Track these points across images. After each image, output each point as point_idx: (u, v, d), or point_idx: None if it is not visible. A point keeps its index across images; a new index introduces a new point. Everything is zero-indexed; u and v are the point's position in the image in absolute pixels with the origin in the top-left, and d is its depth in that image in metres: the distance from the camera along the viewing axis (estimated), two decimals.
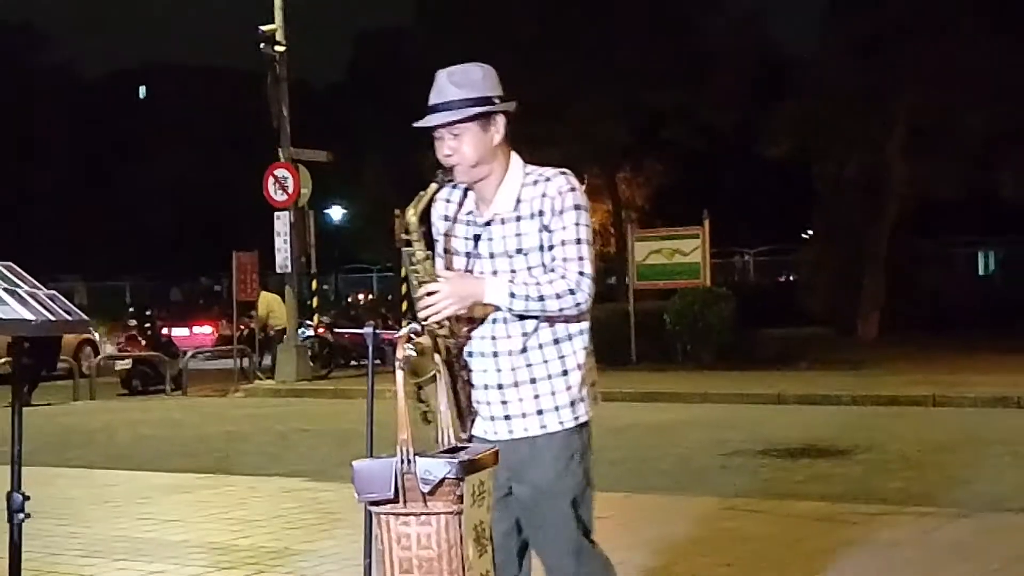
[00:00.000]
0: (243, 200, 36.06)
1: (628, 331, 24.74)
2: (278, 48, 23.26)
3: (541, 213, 4.03)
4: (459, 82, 4.04)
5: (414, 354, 3.71)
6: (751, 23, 37.66)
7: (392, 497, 3.27)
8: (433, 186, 4.03)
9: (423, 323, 3.86)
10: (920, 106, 29.21)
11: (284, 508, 9.09)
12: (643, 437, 14.55)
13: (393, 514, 3.29)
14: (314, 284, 28.83)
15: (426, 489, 3.26)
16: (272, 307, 26.00)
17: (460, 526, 3.25)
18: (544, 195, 4.05)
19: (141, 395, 23.16)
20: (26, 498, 4.28)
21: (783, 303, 33.95)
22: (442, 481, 3.26)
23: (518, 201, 4.08)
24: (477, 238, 4.11)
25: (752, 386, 19.61)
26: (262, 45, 23.16)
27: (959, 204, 31.98)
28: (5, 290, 4.18)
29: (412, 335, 3.70)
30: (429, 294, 3.86)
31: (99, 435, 16.38)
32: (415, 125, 4.14)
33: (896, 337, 28.87)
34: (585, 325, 4.07)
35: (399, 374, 3.59)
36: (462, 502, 3.27)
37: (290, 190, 23.32)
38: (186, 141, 58.54)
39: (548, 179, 4.10)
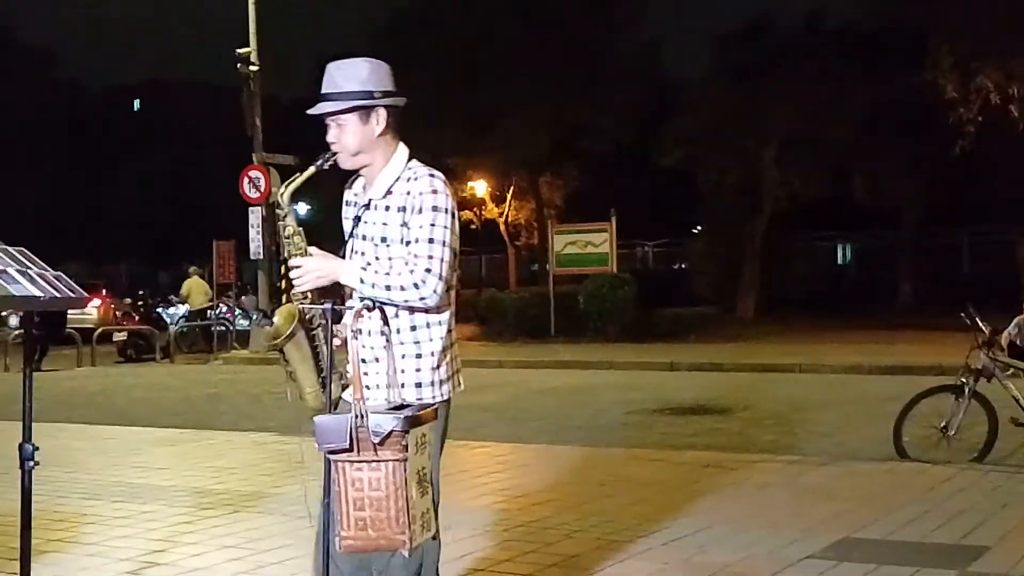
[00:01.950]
0: (222, 196, 35.83)
1: (548, 310, 24.90)
2: (252, 68, 23.12)
3: (404, 209, 3.78)
4: (345, 76, 3.79)
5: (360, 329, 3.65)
6: (649, 53, 37.81)
7: (348, 447, 3.25)
8: (311, 169, 3.87)
9: (291, 293, 3.79)
10: (789, 124, 29.55)
11: (256, 458, 9.04)
12: (560, 398, 14.60)
13: (348, 461, 3.27)
14: (283, 269, 28.67)
15: (376, 440, 3.23)
16: (192, 289, 26.19)
17: (405, 471, 3.23)
18: (409, 192, 3.78)
19: (135, 363, 23.05)
20: (36, 448, 4.25)
21: (676, 287, 34.25)
22: (390, 433, 3.23)
23: (388, 192, 3.82)
24: (357, 220, 3.91)
25: (650, 356, 19.76)
26: (239, 65, 23.05)
27: (821, 205, 32.32)
28: (18, 271, 4.12)
29: (365, 310, 3.62)
30: (295, 267, 3.77)
31: (98, 396, 16.22)
32: (307, 112, 3.88)
33: (769, 316, 29.23)
34: (444, 316, 3.79)
35: (352, 343, 3.53)
36: (407, 451, 3.25)
37: (262, 188, 23.19)
38: (174, 146, 58.24)
39: (417, 178, 3.81)
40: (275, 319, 3.78)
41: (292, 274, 3.78)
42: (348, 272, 3.72)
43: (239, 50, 23.14)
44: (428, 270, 3.64)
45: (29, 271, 4.20)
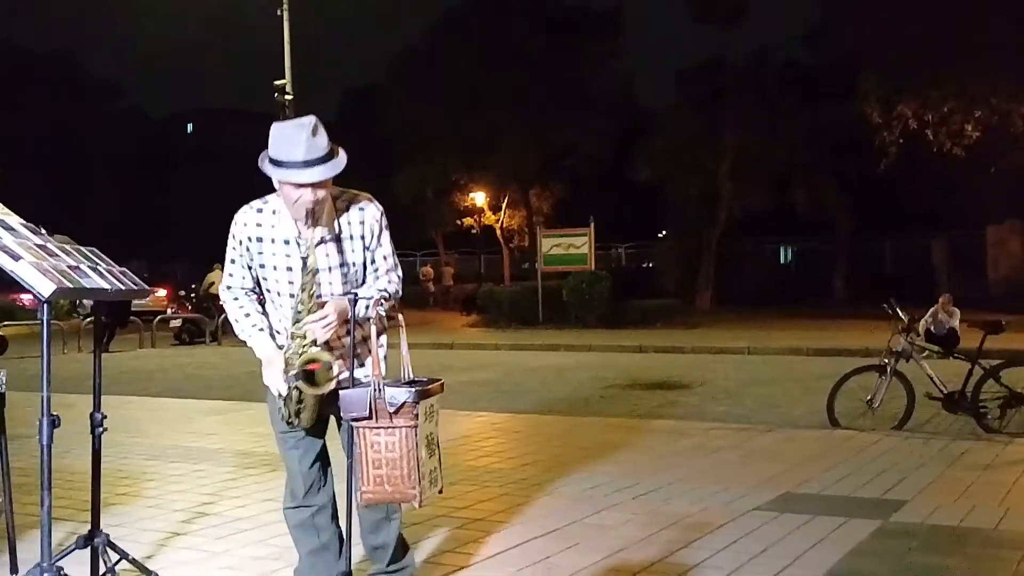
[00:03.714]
0: None
1: (537, 301, 24.91)
2: (287, 96, 23.07)
3: (363, 236, 3.60)
4: (320, 136, 3.40)
5: (384, 312, 3.64)
6: (623, 85, 37.82)
7: (368, 415, 3.24)
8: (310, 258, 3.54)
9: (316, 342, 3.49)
10: (740, 146, 29.60)
11: None
12: (547, 376, 14.60)
13: (368, 428, 3.26)
14: (300, 317, 28.58)
15: (392, 410, 3.23)
16: (214, 280, 25.43)
17: (416, 436, 3.23)
18: (363, 222, 3.59)
19: (188, 345, 23.00)
20: (104, 417, 4.23)
21: (645, 282, 34.19)
22: (403, 404, 3.23)
23: (338, 226, 3.58)
24: (304, 259, 3.53)
25: (623, 340, 19.76)
26: (275, 94, 22.98)
27: (767, 214, 32.35)
28: (90, 267, 4.11)
29: (382, 300, 3.63)
30: (322, 318, 3.47)
31: (157, 374, 16.19)
32: (300, 183, 3.37)
33: (723, 307, 29.26)
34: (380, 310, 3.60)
35: (373, 328, 3.52)
36: (417, 419, 3.25)
37: None
38: (221, 163, 58.38)
39: (363, 208, 3.60)
40: (316, 380, 3.46)
41: (321, 324, 3.47)
42: (345, 303, 3.51)
43: (276, 82, 23.09)
44: (399, 275, 3.75)
45: (99, 267, 4.19)
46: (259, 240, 3.63)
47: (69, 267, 3.96)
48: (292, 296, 3.59)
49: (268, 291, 3.71)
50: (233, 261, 3.72)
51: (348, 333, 3.54)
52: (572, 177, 37.76)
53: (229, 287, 3.76)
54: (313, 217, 3.46)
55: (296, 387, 3.48)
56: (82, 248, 4.27)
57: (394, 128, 34.98)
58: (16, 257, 3.74)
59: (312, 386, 3.45)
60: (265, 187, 3.77)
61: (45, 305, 3.75)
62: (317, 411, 3.58)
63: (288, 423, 3.63)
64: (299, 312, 3.53)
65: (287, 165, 3.37)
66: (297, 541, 3.90)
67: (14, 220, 4.09)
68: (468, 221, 40.09)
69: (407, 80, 35.25)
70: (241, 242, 3.67)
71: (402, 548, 3.93)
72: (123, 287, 4.21)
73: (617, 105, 35.95)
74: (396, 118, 35.09)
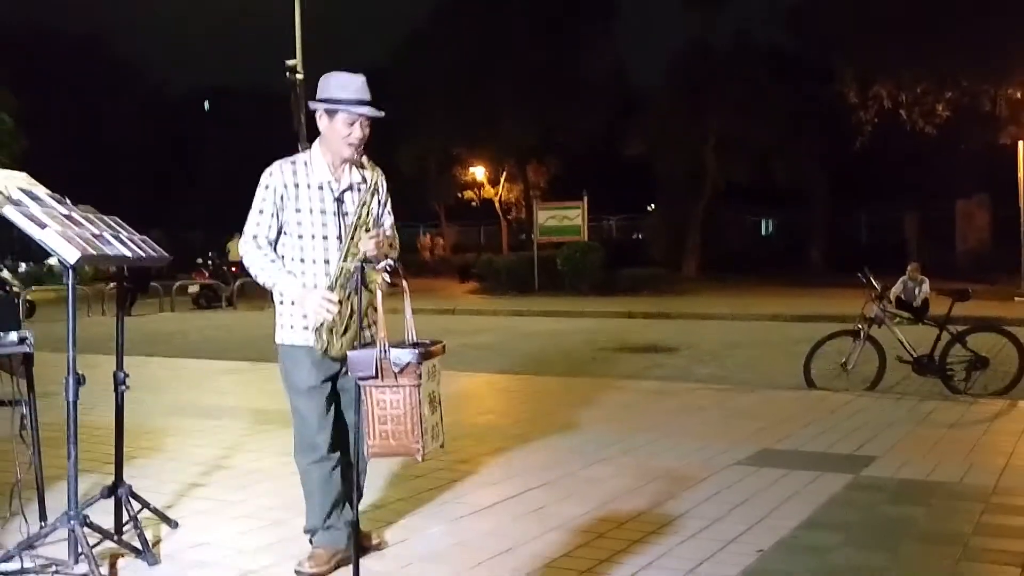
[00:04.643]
0: None
1: (533, 270, 24.91)
2: (298, 76, 22.88)
3: (377, 192, 3.80)
4: (367, 86, 3.73)
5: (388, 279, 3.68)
6: (616, 67, 37.59)
7: (374, 375, 3.24)
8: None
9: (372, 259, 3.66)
10: (724, 124, 29.50)
11: None
12: (542, 339, 14.62)
13: (375, 386, 3.26)
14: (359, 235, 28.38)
15: (397, 370, 3.23)
16: (232, 247, 25.28)
17: (419, 394, 3.23)
18: (378, 185, 3.80)
19: (205, 309, 22.97)
20: (127, 376, 4.25)
21: (634, 252, 34.13)
22: (407, 364, 3.23)
23: (363, 180, 3.79)
24: (339, 201, 3.76)
25: (613, 306, 19.78)
26: (287, 74, 22.79)
27: (749, 188, 32.29)
28: (113, 236, 4.10)
29: (387, 268, 3.68)
30: (374, 236, 3.65)
31: (176, 336, 16.21)
32: (363, 112, 3.67)
33: (708, 275, 29.25)
34: None
35: (379, 294, 3.54)
36: (421, 378, 3.24)
37: None
38: (236, 137, 58.30)
39: (377, 172, 3.82)
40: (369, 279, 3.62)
41: (374, 241, 3.62)
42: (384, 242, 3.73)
43: (288, 61, 22.92)
44: (397, 244, 3.84)
45: (121, 235, 4.18)
46: (295, 186, 3.74)
47: (93, 235, 3.95)
48: (325, 238, 3.72)
49: (300, 236, 3.76)
50: (262, 211, 3.77)
51: (385, 258, 3.68)
52: (566, 153, 37.63)
53: (255, 236, 3.77)
54: (358, 153, 3.72)
55: (358, 273, 3.53)
56: (105, 217, 4.26)
57: (399, 105, 34.82)
58: (43, 225, 3.73)
59: (370, 281, 3.58)
60: (275, 158, 3.83)
61: (70, 270, 3.74)
62: (353, 340, 3.58)
63: (324, 352, 3.65)
64: (351, 237, 3.67)
65: (345, 102, 3.66)
66: (316, 493, 3.88)
67: (41, 191, 4.07)
68: (468, 194, 39.95)
69: (411, 60, 35.02)
70: (275, 191, 3.75)
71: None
72: (144, 254, 4.20)
73: (609, 85, 35.70)
74: (401, 96, 34.95)
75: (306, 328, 3.74)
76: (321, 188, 3.76)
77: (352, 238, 3.68)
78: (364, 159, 3.78)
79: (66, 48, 52.36)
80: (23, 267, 24.15)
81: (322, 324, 3.64)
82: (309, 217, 3.74)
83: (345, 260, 3.66)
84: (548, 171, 39.00)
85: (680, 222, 31.76)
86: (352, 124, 3.68)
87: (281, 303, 3.82)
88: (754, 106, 28.75)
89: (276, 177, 3.76)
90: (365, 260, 3.59)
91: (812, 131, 29.01)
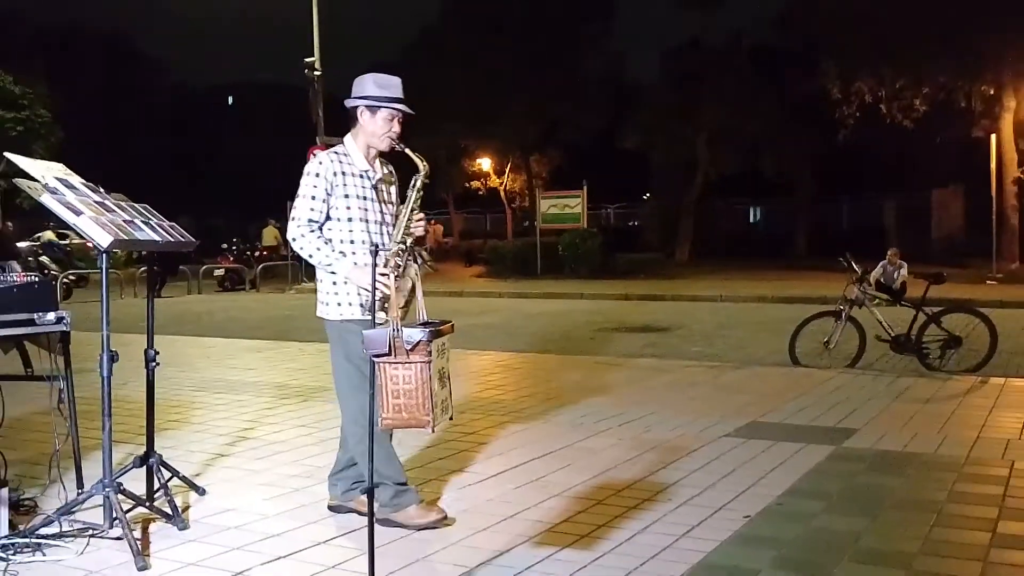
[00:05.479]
0: (294, 169, 35.66)
1: (536, 255, 24.87)
2: (316, 72, 22.78)
3: (394, 183, 4.04)
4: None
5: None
6: (614, 63, 37.43)
7: (387, 352, 3.24)
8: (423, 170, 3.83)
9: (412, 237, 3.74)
10: (716, 118, 29.38)
11: (320, 361, 9.04)
12: (544, 320, 14.63)
13: (388, 363, 3.26)
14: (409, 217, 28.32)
15: (408, 347, 3.23)
16: (265, 234, 26.45)
17: (429, 370, 3.23)
18: (395, 180, 4.04)
19: (230, 292, 22.99)
20: (157, 353, 4.26)
21: (631, 238, 34.16)
22: (418, 342, 3.23)
23: (390, 172, 4.04)
24: (376, 188, 3.94)
25: (611, 289, 19.76)
26: (306, 70, 22.69)
27: (739, 178, 32.21)
28: (143, 221, 4.10)
29: (399, 252, 3.69)
30: (421, 219, 3.78)
31: (203, 316, 16.23)
32: (402, 109, 3.89)
33: (700, 260, 29.21)
34: None
35: (392, 276, 3.56)
36: (431, 355, 3.25)
37: None
38: (260, 130, 58.16)
39: (389, 163, 4.07)
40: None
41: (423, 223, 3.76)
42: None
43: (306, 59, 22.82)
44: None
45: (151, 221, 4.18)
46: (343, 174, 3.88)
47: (125, 221, 3.95)
48: (365, 221, 3.87)
49: (350, 219, 3.87)
50: (315, 198, 3.86)
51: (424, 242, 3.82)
52: (568, 145, 37.60)
53: (310, 220, 3.85)
54: (394, 143, 3.90)
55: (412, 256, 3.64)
56: (136, 204, 4.26)
57: (410, 99, 34.62)
58: (78, 212, 3.73)
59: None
60: (296, 152, 3.91)
61: (104, 255, 3.74)
62: (405, 313, 3.64)
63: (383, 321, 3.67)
64: (405, 219, 3.74)
65: (388, 100, 3.86)
66: (392, 452, 4.03)
67: (76, 180, 4.07)
68: (475, 184, 39.92)
69: (422, 57, 34.91)
70: (326, 178, 3.85)
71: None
72: (172, 239, 4.20)
73: (608, 81, 35.58)
74: (412, 91, 34.77)
75: (362, 305, 3.83)
76: (361, 176, 3.92)
77: (408, 220, 3.76)
78: (412, 153, 3.84)
79: (95, 45, 52.15)
80: (67, 241, 24.19)
81: (375, 299, 3.66)
82: (356, 202, 3.88)
83: (400, 241, 3.74)
84: (550, 162, 38.92)
85: (674, 210, 31.71)
86: (392, 120, 3.88)
87: (334, 283, 3.90)
88: (744, 102, 28.67)
89: (327, 166, 3.86)
90: (415, 241, 3.73)
91: (798, 125, 28.90)
